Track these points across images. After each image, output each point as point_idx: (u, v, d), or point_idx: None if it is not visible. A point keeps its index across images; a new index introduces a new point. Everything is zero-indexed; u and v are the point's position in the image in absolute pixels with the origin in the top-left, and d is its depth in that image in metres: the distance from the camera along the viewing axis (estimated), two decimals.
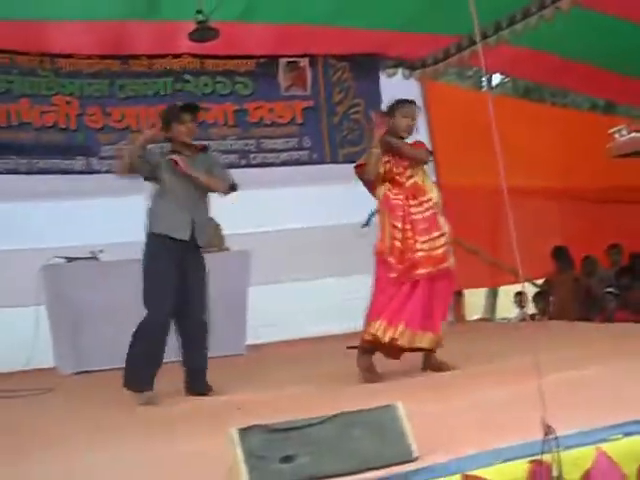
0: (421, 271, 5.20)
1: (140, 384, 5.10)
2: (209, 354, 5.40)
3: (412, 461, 2.72)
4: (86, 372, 7.30)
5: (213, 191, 5.47)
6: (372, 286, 5.33)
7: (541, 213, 9.72)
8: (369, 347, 5.32)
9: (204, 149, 5.64)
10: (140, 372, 5.14)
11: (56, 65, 8.81)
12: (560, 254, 10.32)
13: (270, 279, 8.75)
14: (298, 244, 9.04)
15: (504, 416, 3.41)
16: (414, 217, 5.29)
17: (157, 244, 5.29)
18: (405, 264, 5.19)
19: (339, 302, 9.04)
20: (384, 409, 2.84)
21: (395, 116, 5.45)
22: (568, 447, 2.80)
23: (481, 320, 13.50)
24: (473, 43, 9.47)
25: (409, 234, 5.24)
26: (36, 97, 8.72)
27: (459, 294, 10.71)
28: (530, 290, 12.21)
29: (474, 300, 14.45)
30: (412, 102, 5.63)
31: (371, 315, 5.24)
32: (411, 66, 10.40)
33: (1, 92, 8.57)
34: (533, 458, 2.75)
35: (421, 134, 10.05)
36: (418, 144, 5.60)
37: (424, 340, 5.22)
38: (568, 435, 2.85)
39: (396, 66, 10.36)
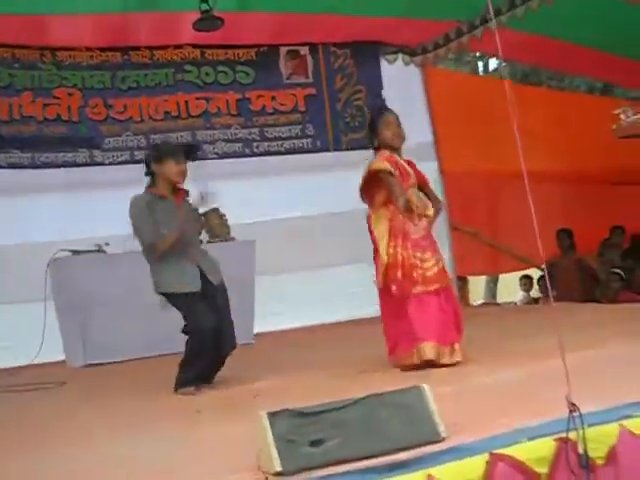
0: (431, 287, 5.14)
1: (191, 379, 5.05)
2: None
3: (440, 441, 2.75)
4: (96, 365, 7.29)
5: None
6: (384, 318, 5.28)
7: (544, 196, 9.72)
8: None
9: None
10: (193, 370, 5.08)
11: (57, 58, 8.80)
12: (563, 237, 10.34)
13: (276, 268, 8.75)
14: (304, 232, 9.04)
15: (527, 395, 3.44)
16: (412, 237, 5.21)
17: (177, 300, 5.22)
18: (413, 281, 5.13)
19: (345, 290, 9.07)
20: (411, 390, 2.87)
21: (379, 131, 5.40)
22: (592, 424, 2.83)
23: (485, 304, 13.56)
24: (473, 28, 9.48)
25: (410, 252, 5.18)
26: (38, 90, 8.71)
27: (463, 280, 10.75)
28: (534, 273, 12.26)
29: (475, 286, 14.52)
30: (389, 110, 5.59)
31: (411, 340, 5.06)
32: (411, 52, 10.39)
33: (3, 86, 8.56)
34: (559, 436, 2.77)
35: (422, 119, 10.24)
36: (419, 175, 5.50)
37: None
38: (592, 412, 2.87)
39: (396, 52, 10.35)
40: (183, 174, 5.26)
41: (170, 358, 5.70)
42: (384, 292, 5.18)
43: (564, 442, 2.78)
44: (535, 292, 12.50)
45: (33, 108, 8.67)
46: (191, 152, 5.43)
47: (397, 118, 5.45)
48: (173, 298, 5.20)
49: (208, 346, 5.02)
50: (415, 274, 5.06)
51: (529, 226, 3.04)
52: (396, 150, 5.39)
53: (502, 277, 16.51)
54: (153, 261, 5.27)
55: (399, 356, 5.09)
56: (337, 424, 2.70)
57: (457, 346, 5.01)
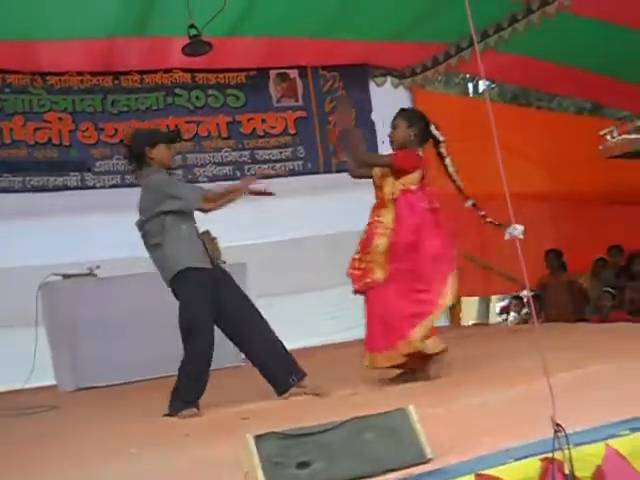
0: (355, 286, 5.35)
1: (192, 401, 4.99)
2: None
3: (426, 462, 2.76)
4: (87, 388, 7.29)
5: None
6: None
7: (534, 217, 9.77)
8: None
9: None
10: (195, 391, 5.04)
11: (48, 82, 8.87)
12: (553, 257, 10.38)
13: (267, 291, 8.74)
14: (294, 254, 9.07)
15: (513, 416, 3.45)
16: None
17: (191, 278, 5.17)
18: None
19: (336, 312, 9.08)
20: (396, 412, 2.88)
21: None
22: (578, 444, 2.84)
23: (477, 325, 13.58)
24: (460, 50, 9.56)
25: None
26: (29, 114, 8.77)
27: (456, 300, 10.77)
28: (523, 293, 12.29)
29: (468, 307, 14.55)
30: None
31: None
32: (400, 74, 10.47)
33: None
34: (544, 456, 2.78)
35: None
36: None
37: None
38: (578, 432, 2.89)
39: (385, 75, 10.44)
40: (173, 157, 5.47)
41: (161, 381, 5.71)
42: None
43: (550, 462, 2.78)
44: (526, 312, 12.54)
45: (24, 132, 8.71)
46: (177, 136, 5.67)
47: (394, 120, 5.55)
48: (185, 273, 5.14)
49: (207, 363, 5.03)
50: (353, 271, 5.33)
51: (522, 246, 3.08)
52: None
53: (493, 296, 16.58)
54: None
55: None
56: (323, 446, 2.71)
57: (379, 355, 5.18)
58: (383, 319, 5.18)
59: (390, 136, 5.57)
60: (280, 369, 5.23)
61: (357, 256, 5.36)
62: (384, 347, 5.15)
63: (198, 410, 4.93)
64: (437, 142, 5.55)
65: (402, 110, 5.71)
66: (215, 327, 5.16)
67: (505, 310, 13.78)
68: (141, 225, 5.26)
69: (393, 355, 5.15)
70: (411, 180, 5.37)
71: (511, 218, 3.07)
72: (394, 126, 5.53)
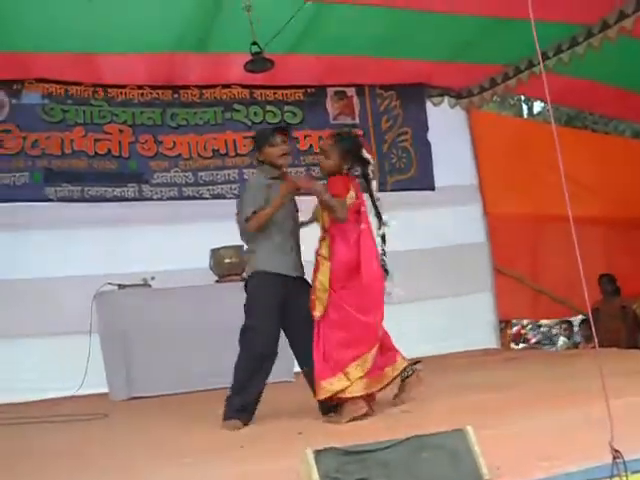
0: None
1: (241, 410, 5.02)
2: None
3: None
4: (139, 398, 7.37)
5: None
6: None
7: (588, 241, 9.68)
8: None
9: None
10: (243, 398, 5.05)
11: (109, 95, 8.99)
12: (607, 282, 10.29)
13: None
14: None
15: (569, 440, 3.42)
16: None
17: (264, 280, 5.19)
18: None
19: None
20: (454, 433, 2.89)
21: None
22: (636, 471, 2.83)
23: (527, 349, 13.49)
24: (519, 72, 9.54)
25: None
26: (89, 126, 8.89)
27: (506, 323, 10.73)
28: (575, 318, 12.19)
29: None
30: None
31: None
32: (457, 95, 10.48)
33: (56, 121, 8.74)
34: None
35: (467, 162, 10.31)
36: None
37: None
38: (636, 459, 2.87)
39: (442, 95, 10.46)
40: (283, 154, 5.33)
41: (214, 393, 5.73)
42: None
43: None
44: (576, 337, 12.45)
45: (84, 143, 8.84)
46: (282, 131, 5.47)
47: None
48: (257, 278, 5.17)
49: (259, 367, 5.03)
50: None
51: (572, 271, 3.05)
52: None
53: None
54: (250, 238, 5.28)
55: None
56: (382, 464, 2.73)
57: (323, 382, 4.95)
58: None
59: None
60: None
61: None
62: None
63: (246, 423, 4.96)
64: (366, 163, 5.34)
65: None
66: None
67: (516, 338, 13.73)
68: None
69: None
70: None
71: (574, 240, 3.06)
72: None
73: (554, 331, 15.37)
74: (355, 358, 4.92)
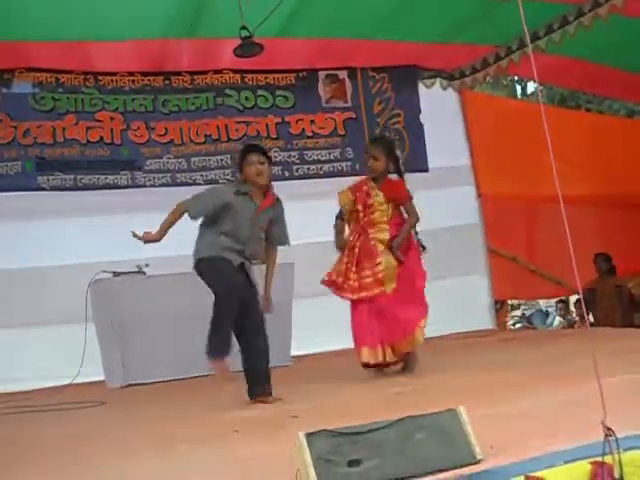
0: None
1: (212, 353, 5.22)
2: None
3: (476, 463, 2.76)
4: (135, 385, 7.38)
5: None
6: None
7: (583, 220, 9.69)
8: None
9: (277, 200, 5.60)
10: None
11: (100, 82, 9.00)
12: (602, 261, 10.30)
13: (312, 291, 8.76)
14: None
15: (563, 418, 3.43)
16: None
17: (214, 259, 5.33)
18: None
19: None
20: (447, 413, 2.89)
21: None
22: (628, 448, 2.83)
23: (523, 328, 13.51)
24: (510, 52, 9.53)
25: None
26: (81, 114, 8.91)
27: (502, 304, 10.73)
28: (570, 298, 12.21)
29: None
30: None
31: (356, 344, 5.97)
32: (449, 76, 10.46)
33: (47, 110, 8.76)
34: (594, 459, 2.77)
35: (460, 143, 10.30)
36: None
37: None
38: (628, 437, 2.87)
39: (434, 76, 10.44)
40: (259, 173, 5.35)
41: (208, 379, 5.72)
42: None
43: (600, 466, 2.78)
44: (572, 316, 12.47)
45: (76, 131, 8.85)
46: (257, 150, 5.55)
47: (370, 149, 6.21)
48: (206, 263, 5.35)
49: (232, 306, 5.17)
50: (346, 284, 6.00)
51: (566, 250, 3.04)
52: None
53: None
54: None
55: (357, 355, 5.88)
56: (375, 445, 2.72)
57: (389, 348, 5.80)
58: (394, 321, 5.79)
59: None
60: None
61: (353, 269, 5.98)
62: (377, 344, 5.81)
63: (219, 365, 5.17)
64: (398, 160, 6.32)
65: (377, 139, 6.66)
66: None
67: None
68: None
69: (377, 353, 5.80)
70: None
71: (564, 221, 3.05)
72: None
73: (550, 310, 15.41)
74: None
